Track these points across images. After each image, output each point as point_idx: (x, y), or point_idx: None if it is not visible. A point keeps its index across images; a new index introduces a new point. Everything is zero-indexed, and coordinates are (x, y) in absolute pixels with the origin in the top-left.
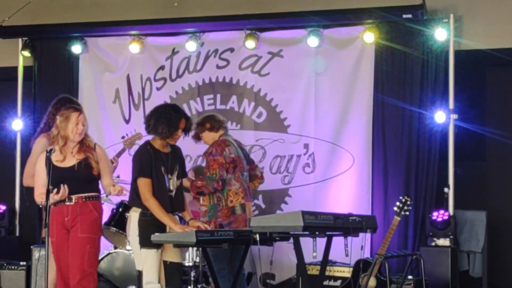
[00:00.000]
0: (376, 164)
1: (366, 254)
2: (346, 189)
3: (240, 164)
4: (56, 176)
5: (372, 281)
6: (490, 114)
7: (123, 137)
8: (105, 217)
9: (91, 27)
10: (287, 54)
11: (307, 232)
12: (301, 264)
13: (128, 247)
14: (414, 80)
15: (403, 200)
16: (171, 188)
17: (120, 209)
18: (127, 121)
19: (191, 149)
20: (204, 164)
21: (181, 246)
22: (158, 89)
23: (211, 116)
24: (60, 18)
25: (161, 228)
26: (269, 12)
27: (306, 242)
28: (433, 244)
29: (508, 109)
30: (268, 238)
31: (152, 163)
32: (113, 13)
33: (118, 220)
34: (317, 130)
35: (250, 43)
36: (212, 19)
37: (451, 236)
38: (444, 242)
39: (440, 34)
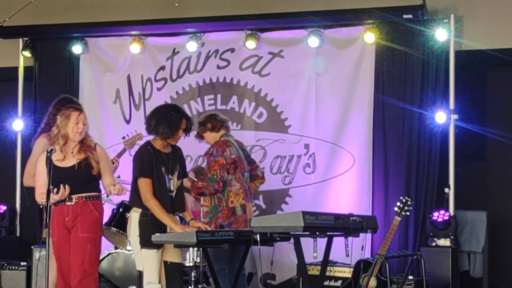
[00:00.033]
0: (377, 165)
1: (367, 255)
2: (347, 189)
3: (241, 165)
4: (57, 176)
5: (373, 282)
6: (491, 114)
7: (123, 138)
8: (106, 217)
9: (91, 27)
10: (287, 54)
11: (307, 233)
12: (301, 264)
13: (128, 247)
14: (414, 80)
15: (404, 200)
16: (172, 188)
17: (121, 210)
18: (128, 121)
19: (192, 149)
20: (204, 164)
21: (182, 247)
22: (158, 89)
23: (212, 115)
24: (60, 18)
25: (162, 228)
26: (269, 13)
27: (306, 243)
28: (433, 244)
29: (509, 109)
30: (269, 239)
31: (153, 163)
32: (113, 13)
33: (119, 220)
34: (318, 131)
35: (251, 44)
36: (213, 20)
37: (452, 236)
38: (444, 242)
39: (441, 34)
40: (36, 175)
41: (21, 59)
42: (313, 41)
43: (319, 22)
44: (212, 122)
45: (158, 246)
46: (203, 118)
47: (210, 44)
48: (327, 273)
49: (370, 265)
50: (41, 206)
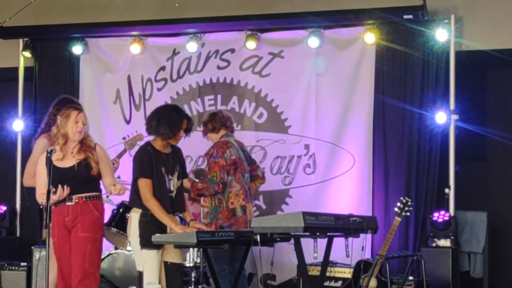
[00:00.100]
0: (377, 165)
1: (367, 255)
2: (347, 189)
3: (241, 166)
4: (56, 176)
5: (373, 282)
6: (491, 114)
7: (124, 138)
8: (106, 217)
9: (91, 28)
10: (287, 54)
11: (307, 233)
12: (302, 264)
13: (128, 248)
14: (414, 80)
15: (404, 200)
16: (172, 188)
17: (121, 210)
18: (128, 122)
19: (192, 149)
20: (205, 165)
21: (182, 247)
22: (159, 89)
23: (213, 115)
24: (60, 19)
25: (162, 228)
26: (269, 13)
27: (306, 243)
28: (433, 244)
29: (509, 109)
30: (269, 239)
31: (153, 163)
32: (113, 14)
33: (119, 220)
34: (318, 131)
35: (251, 44)
36: (213, 20)
37: (452, 237)
38: (444, 242)
39: (441, 34)
40: (36, 176)
41: (21, 59)
42: (313, 42)
43: (319, 23)
44: (212, 122)
45: (158, 246)
46: (206, 117)
47: (210, 44)
48: (327, 274)
49: (370, 265)
50: (41, 207)
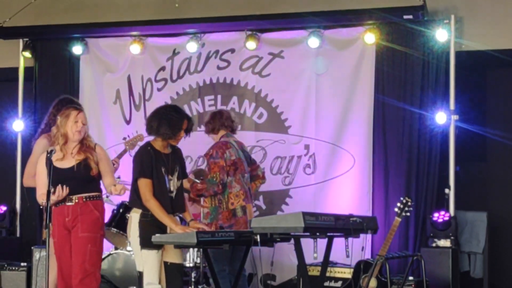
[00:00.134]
0: (377, 165)
1: (367, 255)
2: (347, 190)
3: (241, 166)
4: (56, 176)
5: (373, 282)
6: (491, 115)
7: (124, 138)
8: (106, 218)
9: (91, 28)
10: (287, 55)
11: (308, 233)
12: (302, 265)
13: (128, 248)
14: (414, 81)
15: (404, 201)
16: (172, 189)
17: (121, 210)
18: (128, 122)
19: (192, 150)
20: (205, 165)
21: (182, 247)
22: (159, 90)
23: (214, 115)
24: (61, 19)
25: (162, 229)
26: (269, 13)
27: (307, 243)
28: (434, 245)
29: (509, 110)
30: (269, 239)
31: (153, 163)
32: (113, 14)
33: (119, 221)
34: (318, 131)
35: (251, 44)
36: (213, 20)
37: (452, 237)
38: (444, 243)
39: (441, 35)
40: (36, 176)
41: (21, 59)
42: (313, 42)
43: (319, 23)
44: (211, 123)
45: (158, 246)
46: (207, 118)
47: (210, 44)
48: (327, 274)
49: (370, 265)
50: (41, 207)
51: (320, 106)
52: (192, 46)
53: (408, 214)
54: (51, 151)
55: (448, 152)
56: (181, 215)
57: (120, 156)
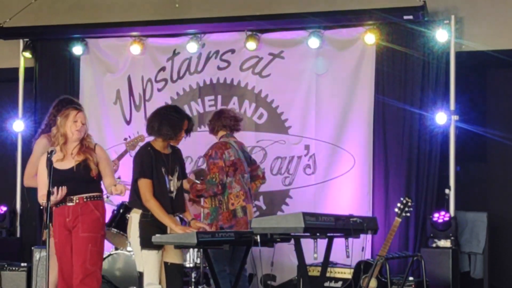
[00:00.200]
0: (377, 165)
1: (367, 256)
2: (347, 190)
3: (241, 167)
4: (56, 177)
5: (373, 283)
6: (491, 115)
7: (125, 139)
8: (106, 218)
9: (92, 28)
10: (288, 55)
11: (308, 234)
12: (302, 265)
13: (129, 248)
14: (415, 81)
15: (404, 201)
16: (172, 189)
17: (121, 210)
18: (128, 122)
19: (192, 150)
20: (205, 165)
21: (182, 247)
22: (159, 90)
23: (214, 115)
24: (61, 19)
25: (162, 229)
26: (270, 13)
27: (307, 244)
28: (434, 245)
29: (509, 110)
30: (269, 239)
31: (153, 164)
32: (114, 14)
33: (119, 221)
34: (318, 131)
35: (251, 44)
36: (213, 21)
37: (452, 237)
38: (445, 243)
39: (441, 35)
40: (37, 176)
41: (22, 60)
42: (314, 42)
43: (319, 23)
44: (211, 123)
45: (159, 247)
46: (210, 118)
47: (210, 45)
48: (328, 274)
49: (370, 266)
50: (41, 207)
51: (320, 107)
52: (192, 47)
53: (408, 214)
54: (51, 151)
55: (448, 152)
56: (181, 215)
57: (120, 157)
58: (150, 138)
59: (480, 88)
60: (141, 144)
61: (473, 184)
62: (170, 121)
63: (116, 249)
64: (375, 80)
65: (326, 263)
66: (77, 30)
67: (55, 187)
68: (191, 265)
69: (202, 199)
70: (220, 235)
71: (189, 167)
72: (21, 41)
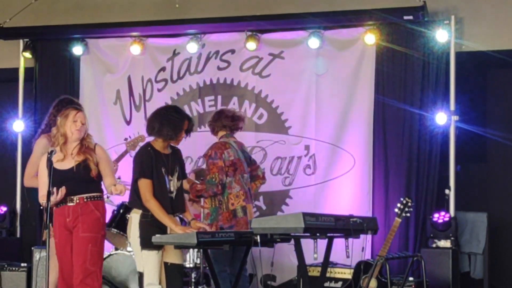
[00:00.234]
0: (377, 166)
1: (367, 256)
2: (347, 190)
3: (241, 167)
4: (56, 177)
5: (373, 283)
6: (491, 115)
7: (126, 139)
8: (106, 218)
9: (92, 29)
10: (288, 55)
11: (308, 234)
12: (302, 265)
13: (129, 249)
14: (415, 81)
15: (404, 201)
16: (172, 189)
17: (121, 211)
18: (128, 123)
19: (192, 150)
20: (204, 166)
21: (182, 248)
22: (159, 90)
23: (214, 116)
24: (61, 20)
25: (162, 229)
26: (270, 14)
27: (307, 244)
28: (434, 245)
29: (510, 110)
30: (269, 240)
31: (153, 164)
32: (114, 15)
33: (119, 221)
34: (318, 132)
35: (251, 45)
36: (213, 21)
37: (452, 238)
38: (445, 243)
39: (441, 35)
40: (38, 176)
41: (22, 60)
42: (314, 42)
43: (319, 23)
44: (211, 124)
45: (159, 247)
46: (210, 118)
47: (210, 45)
48: (328, 274)
49: (370, 266)
50: (41, 207)
51: (320, 107)
52: (192, 47)
53: (408, 214)
54: (52, 151)
55: (448, 152)
56: (181, 216)
57: (119, 158)
58: (150, 138)
59: (480, 88)
60: (141, 144)
61: (473, 184)
62: (170, 121)
63: (116, 249)
64: (375, 80)
65: (326, 263)
66: (77, 30)
67: (55, 188)
68: (191, 265)
69: (202, 199)
70: (220, 235)
71: (189, 167)
72: (21, 41)
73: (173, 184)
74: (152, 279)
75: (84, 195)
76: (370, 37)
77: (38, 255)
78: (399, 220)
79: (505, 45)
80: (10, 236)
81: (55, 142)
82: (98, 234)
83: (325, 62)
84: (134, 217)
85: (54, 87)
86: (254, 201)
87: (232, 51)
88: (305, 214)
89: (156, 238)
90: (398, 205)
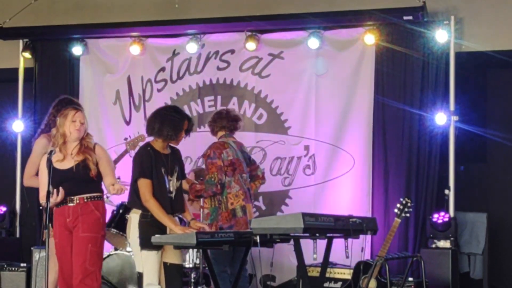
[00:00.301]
0: (377, 166)
1: (367, 256)
2: (347, 190)
3: (240, 167)
4: (56, 177)
5: (373, 283)
6: (491, 116)
7: (125, 139)
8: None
9: (91, 29)
10: (287, 55)
11: (307, 234)
12: (301, 266)
13: (128, 249)
14: (414, 82)
15: (404, 202)
16: (171, 189)
17: (121, 211)
18: (128, 123)
19: (191, 150)
20: (204, 166)
21: (182, 248)
22: (158, 90)
23: (213, 116)
24: (60, 20)
25: (162, 229)
26: (269, 14)
27: (306, 244)
28: (433, 246)
29: (509, 111)
30: (269, 240)
31: (153, 164)
32: (113, 15)
33: (119, 221)
34: (318, 132)
35: (251, 45)
36: (213, 21)
37: (452, 238)
38: (444, 244)
39: (441, 36)
40: (39, 176)
41: (21, 60)
42: (313, 43)
43: (319, 24)
44: (211, 125)
45: (158, 247)
46: (209, 119)
47: (210, 45)
48: (327, 275)
49: (370, 266)
50: (40, 207)
51: (320, 107)
52: (192, 47)
53: (407, 215)
54: (51, 151)
55: (448, 153)
56: (181, 216)
57: (120, 157)
58: (150, 138)
59: (480, 88)
60: (141, 143)
61: (473, 184)
62: (170, 121)
63: (116, 249)
64: (375, 81)
65: (326, 263)
66: (77, 30)
67: (55, 189)
68: (191, 265)
69: (202, 200)
70: (219, 236)
71: (188, 168)
72: (20, 41)
73: (172, 184)
74: (151, 279)
75: (84, 195)
76: (369, 37)
77: (37, 255)
78: (399, 220)
79: (505, 45)
80: (9, 236)
81: (55, 143)
82: (98, 234)
83: (324, 62)
84: (134, 217)
85: (54, 87)
86: (254, 201)
87: (232, 51)
88: (304, 215)
89: (156, 238)
90: (398, 205)
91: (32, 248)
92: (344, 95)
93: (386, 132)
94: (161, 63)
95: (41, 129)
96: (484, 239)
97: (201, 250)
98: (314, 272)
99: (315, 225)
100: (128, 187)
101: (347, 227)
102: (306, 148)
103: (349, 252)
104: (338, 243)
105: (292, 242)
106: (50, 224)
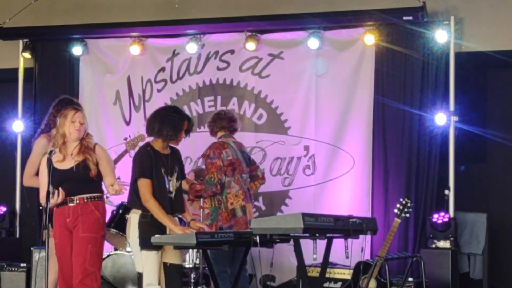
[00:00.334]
0: (377, 166)
1: (367, 256)
2: (347, 191)
3: (240, 167)
4: (56, 178)
5: (373, 283)
6: (491, 116)
7: (125, 139)
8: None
9: (91, 29)
10: (287, 56)
11: (307, 234)
12: (301, 266)
13: (128, 249)
14: (414, 82)
15: (404, 202)
16: (171, 189)
17: (120, 211)
18: (128, 123)
19: (191, 150)
20: (203, 166)
21: (182, 248)
22: (158, 90)
23: (213, 117)
24: (60, 20)
25: (161, 229)
26: (269, 14)
27: (306, 244)
28: (433, 246)
29: (509, 111)
30: (268, 240)
31: (152, 164)
32: (113, 15)
33: (118, 221)
34: (318, 132)
35: (251, 45)
36: (213, 21)
37: (452, 238)
38: (444, 244)
39: (441, 36)
40: (39, 177)
41: (21, 60)
42: (313, 43)
43: (319, 24)
44: (210, 126)
45: (158, 247)
46: (208, 120)
47: (210, 45)
48: (327, 275)
49: (369, 267)
50: (40, 207)
51: (320, 107)
52: (192, 47)
53: (407, 215)
54: (51, 151)
55: (447, 153)
56: (180, 216)
57: (120, 157)
58: (150, 138)
59: (480, 88)
60: (141, 144)
61: (473, 185)
62: (171, 122)
63: (116, 249)
64: (375, 81)
65: (326, 263)
66: (77, 30)
67: (59, 188)
68: (191, 265)
69: (201, 200)
70: (219, 236)
71: (188, 168)
72: (20, 41)
73: (172, 184)
74: (151, 279)
75: (84, 196)
76: (369, 38)
77: (37, 255)
78: (399, 220)
79: (505, 45)
80: (9, 236)
81: (55, 143)
82: (98, 235)
83: (324, 63)
84: (134, 217)
85: (54, 88)
86: (254, 201)
87: (232, 52)
88: (304, 215)
89: (156, 239)
90: (398, 205)
91: (32, 248)
92: (344, 95)
93: (386, 132)
94: (161, 63)
95: (41, 129)
96: (484, 239)
97: (201, 250)
98: (314, 272)
99: (315, 225)
100: (127, 187)
101: (347, 227)
102: (306, 148)
103: (349, 252)
104: (338, 243)
105: (292, 242)
106: (50, 224)
